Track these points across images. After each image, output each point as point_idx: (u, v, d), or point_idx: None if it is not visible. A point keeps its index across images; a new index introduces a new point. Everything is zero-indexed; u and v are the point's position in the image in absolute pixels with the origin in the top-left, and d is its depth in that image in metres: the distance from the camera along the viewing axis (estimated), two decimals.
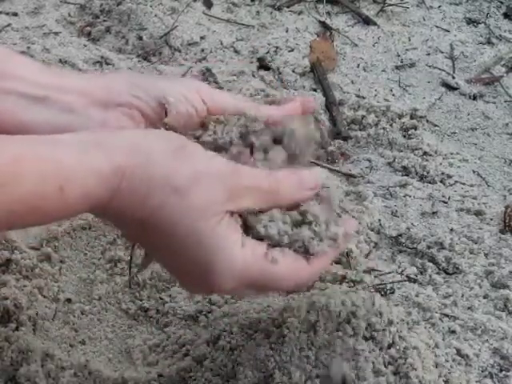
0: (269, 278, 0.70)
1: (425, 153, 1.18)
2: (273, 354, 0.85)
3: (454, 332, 0.92)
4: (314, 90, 1.28)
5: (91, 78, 0.79)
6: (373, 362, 0.83)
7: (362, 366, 0.82)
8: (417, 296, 0.95)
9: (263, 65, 1.34)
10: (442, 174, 1.15)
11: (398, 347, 0.87)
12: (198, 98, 0.78)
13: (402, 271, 0.99)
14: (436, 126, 1.25)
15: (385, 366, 0.84)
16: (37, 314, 0.94)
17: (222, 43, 1.39)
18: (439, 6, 1.50)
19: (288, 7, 1.48)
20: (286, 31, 1.42)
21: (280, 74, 1.32)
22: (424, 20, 1.47)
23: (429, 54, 1.39)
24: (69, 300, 0.96)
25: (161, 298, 0.95)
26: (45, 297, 0.95)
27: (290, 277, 0.71)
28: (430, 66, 1.36)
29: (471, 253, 1.01)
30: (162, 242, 0.68)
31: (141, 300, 0.96)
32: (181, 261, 0.69)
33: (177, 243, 0.67)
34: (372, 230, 1.04)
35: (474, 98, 1.30)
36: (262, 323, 0.89)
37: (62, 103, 0.75)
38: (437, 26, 1.45)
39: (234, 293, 0.73)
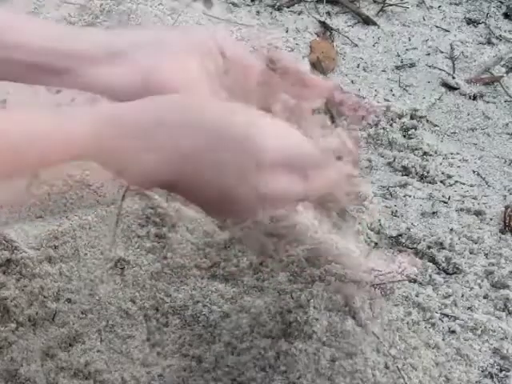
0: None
1: (425, 153, 1.18)
2: (274, 355, 0.85)
3: (454, 332, 0.92)
4: None
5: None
6: (373, 362, 0.83)
7: (362, 366, 0.82)
8: (417, 296, 0.95)
9: None
10: (442, 173, 1.15)
11: (397, 347, 0.87)
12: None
13: (402, 271, 0.99)
14: (436, 125, 1.25)
15: (385, 367, 0.84)
16: (37, 313, 0.94)
17: None
18: (439, 6, 1.50)
19: (288, 7, 1.48)
20: (286, 31, 1.42)
21: None
22: (424, 20, 1.47)
23: (429, 54, 1.39)
24: (69, 300, 0.96)
25: (161, 298, 0.95)
26: (45, 297, 0.95)
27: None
28: (430, 66, 1.36)
29: (471, 253, 1.01)
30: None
31: (141, 300, 0.96)
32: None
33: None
34: (372, 230, 1.04)
35: (474, 98, 1.30)
36: (262, 323, 0.89)
37: (61, 69, 0.74)
38: (437, 26, 1.45)
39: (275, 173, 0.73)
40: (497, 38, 1.42)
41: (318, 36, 1.42)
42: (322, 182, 0.73)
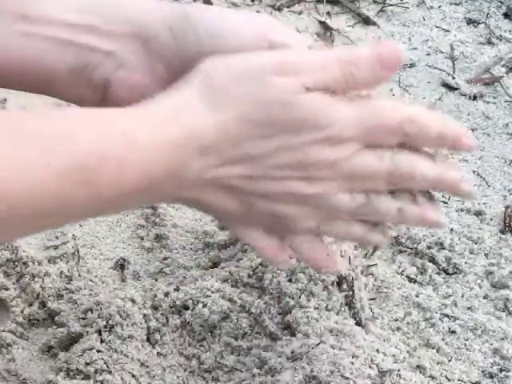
0: None
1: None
2: (274, 355, 0.85)
3: (454, 332, 0.92)
4: None
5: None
6: (371, 360, 0.83)
7: (362, 366, 0.82)
8: (417, 296, 0.95)
9: None
10: None
11: (397, 347, 0.87)
12: None
13: (402, 271, 0.99)
14: None
15: (386, 367, 0.84)
16: (37, 313, 0.94)
17: None
18: (439, 6, 1.50)
19: (288, 7, 1.48)
20: None
21: None
22: (424, 20, 1.47)
23: (429, 54, 1.39)
24: (69, 300, 0.96)
25: (161, 299, 0.95)
26: (45, 297, 0.95)
27: None
28: (430, 66, 1.36)
29: (471, 253, 1.01)
30: None
31: (141, 300, 0.95)
32: None
33: None
34: None
35: (474, 98, 1.30)
36: (262, 323, 0.89)
37: (86, 45, 0.68)
38: (437, 26, 1.45)
39: None
40: (497, 38, 1.42)
41: (318, 36, 1.42)
42: None
